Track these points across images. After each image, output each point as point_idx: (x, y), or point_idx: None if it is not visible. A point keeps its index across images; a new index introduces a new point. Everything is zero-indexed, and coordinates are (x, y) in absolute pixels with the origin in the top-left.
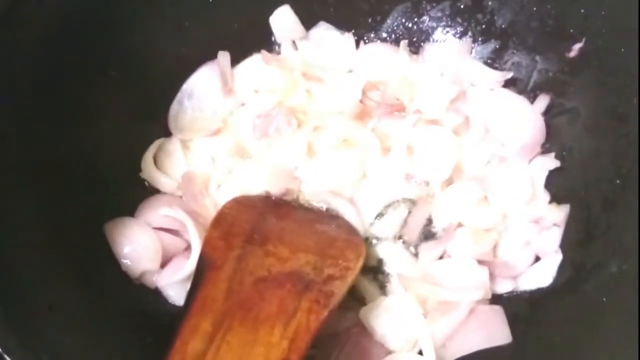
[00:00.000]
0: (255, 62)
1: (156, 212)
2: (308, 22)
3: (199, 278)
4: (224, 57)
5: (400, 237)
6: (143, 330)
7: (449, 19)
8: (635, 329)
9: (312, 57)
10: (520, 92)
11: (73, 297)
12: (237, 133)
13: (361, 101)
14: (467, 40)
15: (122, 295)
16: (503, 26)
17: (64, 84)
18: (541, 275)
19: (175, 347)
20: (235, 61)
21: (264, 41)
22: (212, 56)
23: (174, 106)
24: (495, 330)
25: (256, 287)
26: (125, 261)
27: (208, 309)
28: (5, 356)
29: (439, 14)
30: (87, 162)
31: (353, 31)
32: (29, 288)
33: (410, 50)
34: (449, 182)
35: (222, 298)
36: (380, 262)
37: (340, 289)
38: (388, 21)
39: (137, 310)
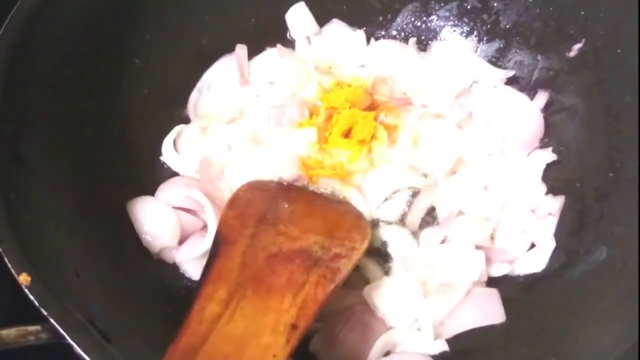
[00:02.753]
0: (271, 55)
1: (175, 193)
2: (322, 19)
3: (215, 252)
4: (241, 50)
5: (403, 223)
6: (162, 301)
7: (456, 18)
8: (623, 311)
9: (324, 52)
10: (522, 89)
11: (98, 267)
12: (252, 122)
13: (371, 95)
14: (473, 39)
15: (143, 268)
16: (507, 26)
17: (91, 71)
18: (535, 260)
19: (193, 310)
20: (252, 54)
21: (280, 36)
22: (230, 49)
23: (194, 95)
24: (491, 310)
25: (268, 262)
26: (146, 237)
27: (224, 279)
28: (42, 310)
29: (447, 14)
30: (112, 145)
31: (364, 28)
32: (58, 256)
33: (419, 48)
34: (452, 172)
35: (237, 270)
36: (384, 244)
37: (346, 266)
38: (398, 20)
39: (156, 282)
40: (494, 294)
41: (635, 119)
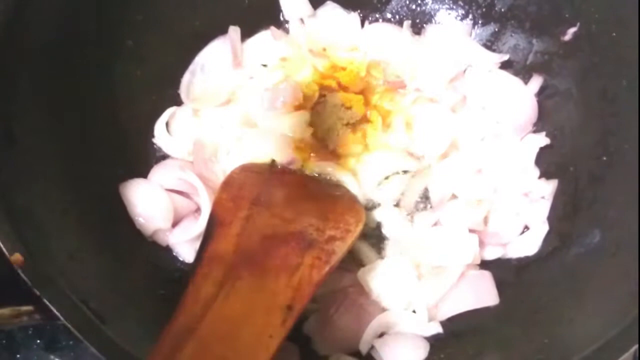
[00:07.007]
0: (264, 37)
1: (168, 175)
2: (316, 1)
3: (209, 234)
4: (234, 32)
5: (397, 205)
6: (156, 283)
7: (451, 1)
8: (616, 293)
9: (318, 34)
10: (516, 73)
11: (91, 248)
12: (245, 104)
13: (364, 78)
14: (468, 22)
15: (136, 251)
16: (502, 10)
17: (83, 52)
18: (528, 244)
19: (188, 290)
20: (245, 36)
21: (273, 18)
22: (223, 31)
23: (187, 76)
24: (484, 293)
25: (263, 243)
26: (139, 219)
27: (218, 260)
28: (35, 290)
29: None
30: (104, 127)
31: (359, 11)
32: (50, 237)
33: (413, 31)
34: (445, 156)
35: (231, 251)
36: (378, 226)
37: (340, 249)
38: (393, 2)
39: (150, 264)
40: (487, 276)
41: (630, 103)
